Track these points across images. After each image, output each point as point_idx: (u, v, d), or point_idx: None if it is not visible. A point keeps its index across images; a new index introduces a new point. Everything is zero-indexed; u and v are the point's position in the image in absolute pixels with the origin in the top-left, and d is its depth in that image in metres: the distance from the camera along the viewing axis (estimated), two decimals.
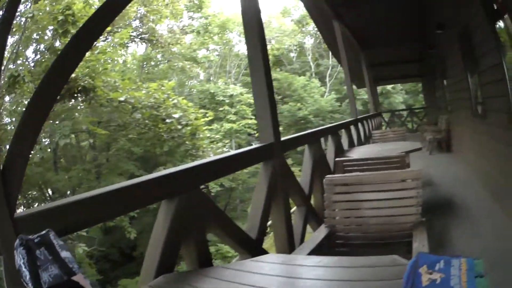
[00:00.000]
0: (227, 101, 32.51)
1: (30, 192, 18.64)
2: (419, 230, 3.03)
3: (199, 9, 35.99)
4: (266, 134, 4.06)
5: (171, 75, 33.67)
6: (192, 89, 35.06)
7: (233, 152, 4.32)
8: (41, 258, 1.49)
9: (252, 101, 33.60)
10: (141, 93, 16.31)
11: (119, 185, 2.41)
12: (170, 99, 17.00)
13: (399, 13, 11.31)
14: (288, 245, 3.97)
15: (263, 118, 4.11)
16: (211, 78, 39.99)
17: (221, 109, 32.01)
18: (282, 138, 4.35)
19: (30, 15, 14.16)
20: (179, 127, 16.63)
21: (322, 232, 3.51)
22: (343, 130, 9.29)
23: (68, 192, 19.04)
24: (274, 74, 39.65)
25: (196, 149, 17.48)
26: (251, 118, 31.47)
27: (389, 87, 34.93)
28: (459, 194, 6.86)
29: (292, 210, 4.68)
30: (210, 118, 20.55)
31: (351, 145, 9.24)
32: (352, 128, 10.63)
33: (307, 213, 4.90)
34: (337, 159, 5.50)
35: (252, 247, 3.37)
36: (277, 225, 4.03)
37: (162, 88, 17.27)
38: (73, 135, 16.90)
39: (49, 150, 18.61)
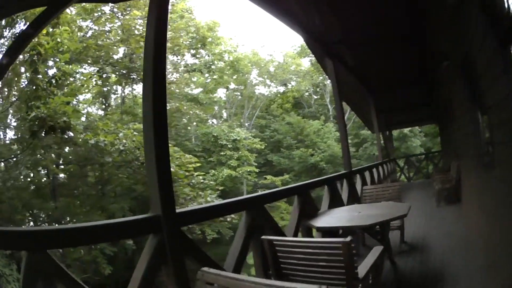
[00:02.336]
0: (229, 145, 31.66)
1: (34, 212, 19.01)
2: None
3: (203, 46, 35.22)
4: (154, 205, 3.52)
5: (180, 115, 32.88)
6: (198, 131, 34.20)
7: (99, 222, 3.75)
8: None
9: (258, 146, 33.04)
10: (111, 137, 16.14)
11: None
12: None
13: (398, 52, 10.48)
14: None
15: (152, 186, 3.55)
16: (227, 119, 39.67)
17: (222, 153, 31.21)
18: (180, 210, 3.80)
19: None
20: None
21: None
22: (325, 187, 7.73)
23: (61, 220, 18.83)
24: (288, 118, 38.97)
25: (177, 196, 16.49)
26: (252, 165, 30.99)
27: (406, 130, 33.73)
28: (452, 264, 5.81)
29: None
30: (197, 165, 19.79)
31: (337, 204, 7.68)
32: (345, 182, 9.17)
33: None
34: (264, 237, 4.03)
35: None
36: None
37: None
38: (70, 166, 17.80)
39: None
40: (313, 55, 40.89)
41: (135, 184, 19.32)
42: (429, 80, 12.77)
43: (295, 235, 5.73)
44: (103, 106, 28.01)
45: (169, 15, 23.78)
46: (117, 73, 22.65)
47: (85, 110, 21.50)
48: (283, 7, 7.34)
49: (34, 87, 14.42)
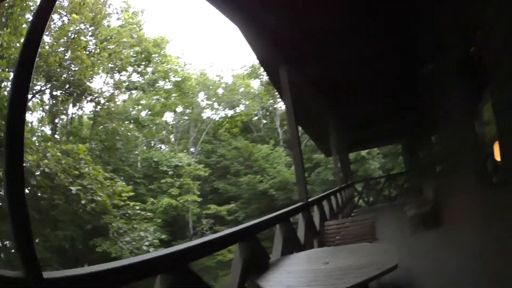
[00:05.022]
0: (170, 172, 30.26)
1: None
2: None
3: (148, 62, 33.90)
4: None
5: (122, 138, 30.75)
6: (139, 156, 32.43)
7: None
8: None
9: (202, 173, 31.67)
10: (33, 157, 14.79)
11: None
12: (85, 167, 14.71)
13: (365, 55, 9.44)
14: None
15: None
16: (174, 144, 38.19)
17: (163, 181, 29.72)
18: (51, 275, 2.23)
19: None
20: (83, 202, 14.18)
21: None
22: (277, 226, 5.98)
23: None
24: (235, 143, 37.83)
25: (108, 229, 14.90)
26: (194, 194, 29.87)
27: (363, 152, 33.09)
28: None
29: None
30: (130, 194, 18.31)
31: (294, 247, 6.14)
32: (301, 217, 7.57)
33: None
34: None
35: None
36: None
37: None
38: None
39: None
40: (264, 75, 40.21)
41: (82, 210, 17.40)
42: (404, 87, 11.91)
43: None
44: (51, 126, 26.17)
45: (116, 27, 22.75)
46: (59, 91, 20.99)
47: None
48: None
49: None
